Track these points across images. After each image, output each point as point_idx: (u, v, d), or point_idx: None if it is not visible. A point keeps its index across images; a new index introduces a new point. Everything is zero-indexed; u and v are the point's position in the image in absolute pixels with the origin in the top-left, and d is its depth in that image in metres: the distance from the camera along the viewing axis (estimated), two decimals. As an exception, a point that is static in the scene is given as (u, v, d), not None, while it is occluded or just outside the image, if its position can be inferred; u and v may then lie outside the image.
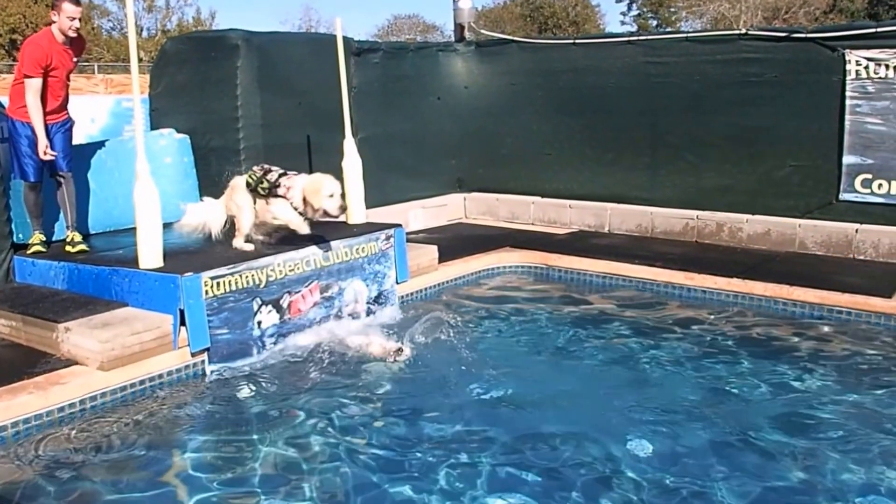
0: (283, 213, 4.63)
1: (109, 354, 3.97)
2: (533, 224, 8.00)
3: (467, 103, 8.49)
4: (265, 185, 4.65)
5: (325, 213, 4.57)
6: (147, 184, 4.53)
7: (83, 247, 5.15)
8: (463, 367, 4.27)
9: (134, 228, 4.53)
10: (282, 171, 4.71)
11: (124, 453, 3.46)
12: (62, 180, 5.15)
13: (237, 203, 4.78)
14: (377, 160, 7.15)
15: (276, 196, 4.62)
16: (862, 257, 6.12)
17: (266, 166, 4.81)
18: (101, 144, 6.04)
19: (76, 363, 4.03)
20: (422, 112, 8.16)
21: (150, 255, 4.48)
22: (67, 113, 5.26)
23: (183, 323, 4.23)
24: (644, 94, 7.27)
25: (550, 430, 3.54)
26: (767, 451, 3.31)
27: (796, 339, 4.70)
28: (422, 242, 6.36)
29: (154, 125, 6.77)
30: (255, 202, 4.75)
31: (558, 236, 7.28)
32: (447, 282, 6.04)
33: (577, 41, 7.84)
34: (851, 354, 4.42)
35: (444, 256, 6.15)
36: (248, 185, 4.75)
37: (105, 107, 6.66)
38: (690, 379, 4.14)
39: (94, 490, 3.16)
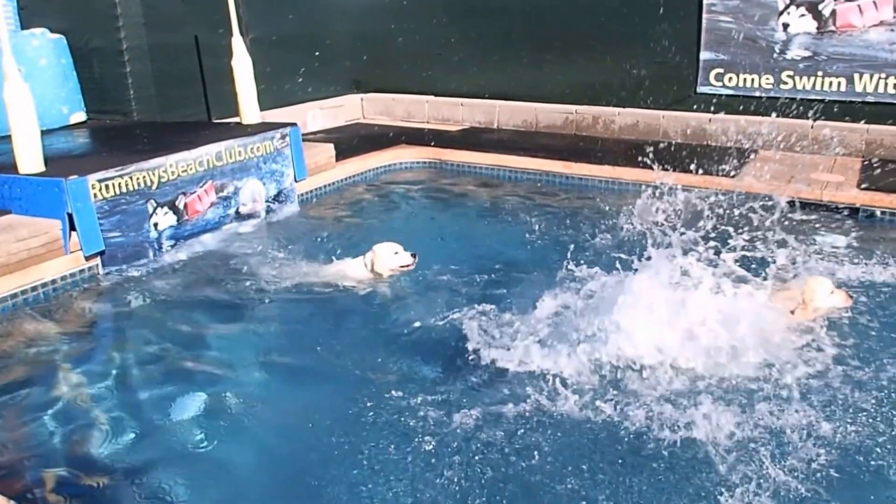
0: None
1: (-6, 262, 3.63)
2: (428, 122, 7.82)
3: (361, 3, 7.93)
4: None
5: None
6: (17, 83, 4.00)
7: (-45, 155, 4.56)
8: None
9: (9, 136, 4.03)
10: None
11: (14, 360, 3.20)
12: None
13: None
14: (271, 61, 6.68)
15: None
16: (714, 143, 6.42)
17: None
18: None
19: (-41, 274, 3.66)
20: (315, 12, 7.56)
21: (29, 159, 4.04)
22: None
23: (73, 227, 3.90)
24: (530, -4, 7.04)
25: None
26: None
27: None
28: (320, 142, 6.10)
29: (24, 24, 5.90)
30: None
31: (451, 133, 7.17)
32: (345, 179, 5.88)
33: (465, -60, 7.40)
34: (693, 219, 4.65)
35: (343, 155, 5.95)
36: None
37: (-40, 3, 5.68)
38: (556, 239, 4.44)
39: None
